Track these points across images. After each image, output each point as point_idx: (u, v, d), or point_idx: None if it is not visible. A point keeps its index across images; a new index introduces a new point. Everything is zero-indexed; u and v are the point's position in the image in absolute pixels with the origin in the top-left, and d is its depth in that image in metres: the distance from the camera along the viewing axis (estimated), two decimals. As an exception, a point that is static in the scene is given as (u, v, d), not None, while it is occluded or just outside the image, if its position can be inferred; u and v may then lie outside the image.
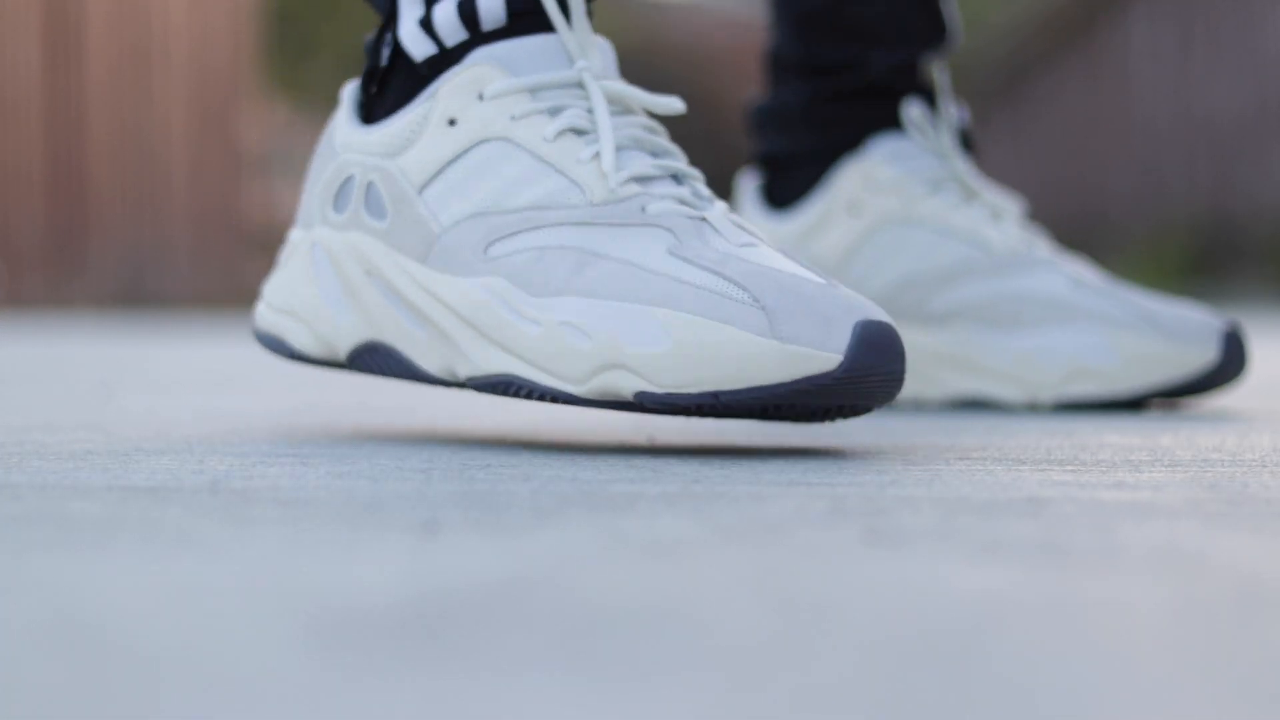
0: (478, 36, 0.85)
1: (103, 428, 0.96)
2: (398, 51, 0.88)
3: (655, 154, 0.84)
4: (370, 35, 0.90)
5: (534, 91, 0.84)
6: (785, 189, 1.13)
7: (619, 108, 0.85)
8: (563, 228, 0.81)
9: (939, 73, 1.14)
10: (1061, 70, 8.60)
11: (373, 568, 0.51)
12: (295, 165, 8.54)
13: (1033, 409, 1.04)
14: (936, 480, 0.73)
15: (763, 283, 0.76)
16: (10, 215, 5.28)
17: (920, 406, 1.08)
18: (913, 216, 1.08)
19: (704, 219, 0.81)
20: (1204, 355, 1.01)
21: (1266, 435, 0.91)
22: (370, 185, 0.87)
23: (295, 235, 0.92)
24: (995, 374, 1.04)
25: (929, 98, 1.12)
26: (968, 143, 1.13)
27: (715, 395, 0.76)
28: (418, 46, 0.86)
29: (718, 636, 0.42)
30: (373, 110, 0.89)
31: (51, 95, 5.55)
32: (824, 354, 0.74)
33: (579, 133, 0.83)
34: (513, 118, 0.84)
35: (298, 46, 10.81)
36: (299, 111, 8.95)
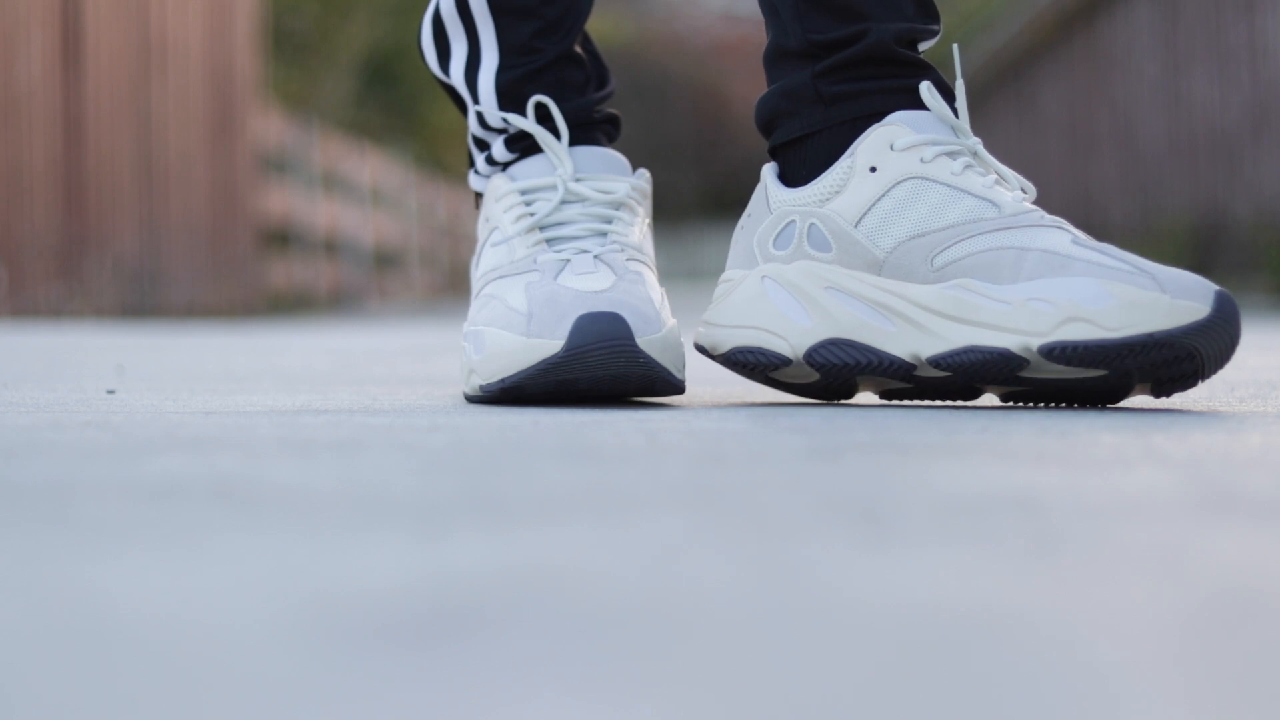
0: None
1: (110, 427, 0.97)
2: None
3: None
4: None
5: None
6: (803, 167, 1.16)
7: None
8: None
9: (952, 51, 1.17)
10: (1054, 71, 8.58)
11: (376, 567, 0.51)
12: (302, 168, 8.51)
13: (1025, 353, 1.05)
14: (930, 478, 0.74)
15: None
16: (17, 221, 5.27)
17: (913, 360, 1.09)
18: (929, 175, 1.12)
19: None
20: (1197, 309, 1.02)
21: (1257, 434, 0.91)
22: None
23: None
24: (991, 324, 1.07)
25: (935, 75, 1.16)
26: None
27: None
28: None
29: (716, 637, 0.42)
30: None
31: (59, 100, 5.55)
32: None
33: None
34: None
35: (302, 50, 10.78)
36: (304, 115, 8.92)
